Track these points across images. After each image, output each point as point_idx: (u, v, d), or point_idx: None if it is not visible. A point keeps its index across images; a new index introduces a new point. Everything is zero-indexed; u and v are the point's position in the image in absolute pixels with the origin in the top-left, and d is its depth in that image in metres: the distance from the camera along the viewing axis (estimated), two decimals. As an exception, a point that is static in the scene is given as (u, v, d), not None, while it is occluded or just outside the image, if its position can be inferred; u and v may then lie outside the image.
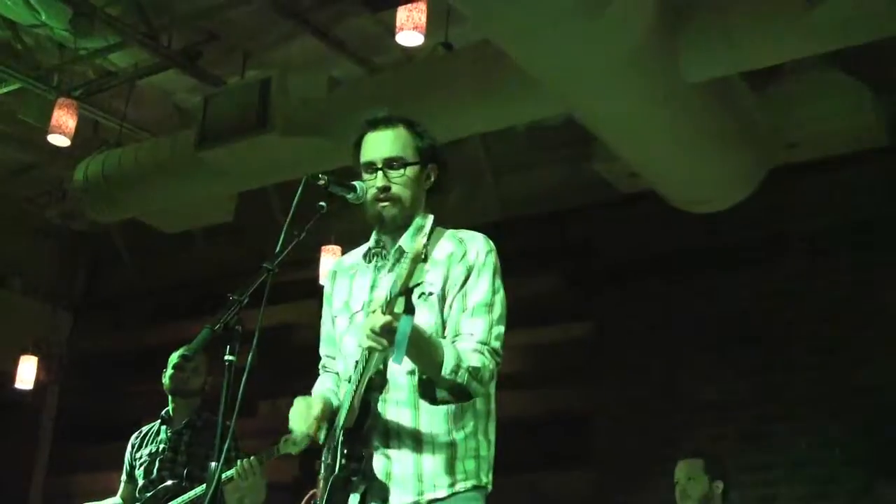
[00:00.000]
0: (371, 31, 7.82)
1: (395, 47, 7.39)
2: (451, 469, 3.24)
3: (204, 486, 5.24)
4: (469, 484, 3.26)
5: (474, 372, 3.15)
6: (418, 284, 2.95)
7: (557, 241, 9.01)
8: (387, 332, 2.92)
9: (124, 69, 8.63)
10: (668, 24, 6.44)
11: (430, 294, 3.32)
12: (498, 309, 3.33)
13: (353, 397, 3.17)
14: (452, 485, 3.23)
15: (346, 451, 3.17)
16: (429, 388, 3.17)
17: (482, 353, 3.21)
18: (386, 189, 3.40)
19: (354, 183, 3.42)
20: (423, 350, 3.09)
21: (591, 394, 8.53)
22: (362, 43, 8.01)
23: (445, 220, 3.54)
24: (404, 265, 2.88)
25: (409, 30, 6.95)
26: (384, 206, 3.41)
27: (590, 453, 8.38)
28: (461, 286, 3.32)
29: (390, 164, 3.43)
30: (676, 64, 6.65)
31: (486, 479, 3.32)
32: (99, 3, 7.66)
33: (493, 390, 3.41)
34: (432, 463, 3.23)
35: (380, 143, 3.48)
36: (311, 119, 7.57)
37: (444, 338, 3.27)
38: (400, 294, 2.91)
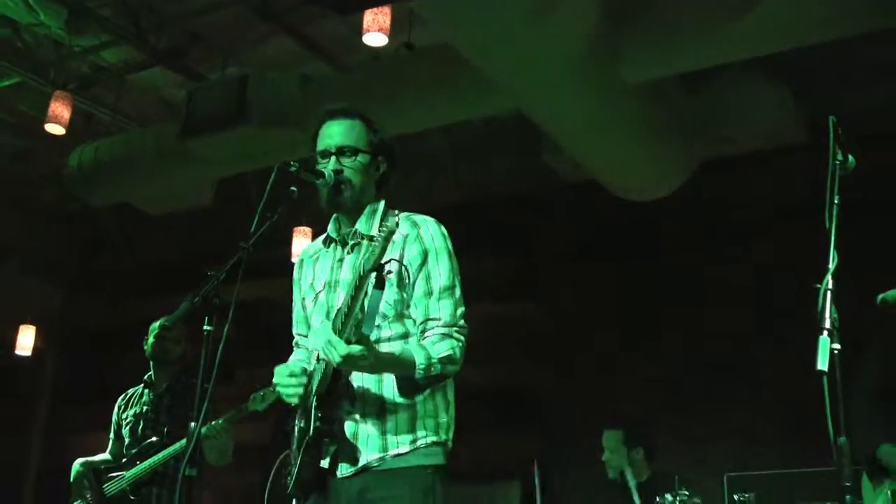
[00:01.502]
0: (340, 33, 7.78)
1: (362, 47, 7.35)
2: (412, 428, 3.25)
3: (184, 441, 5.27)
4: (429, 440, 3.27)
5: (446, 359, 3.21)
6: (389, 262, 2.98)
7: (510, 225, 9.00)
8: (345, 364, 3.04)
9: (115, 65, 8.62)
10: (610, 30, 6.45)
11: (390, 273, 3.27)
12: (458, 290, 3.36)
13: (326, 366, 3.17)
14: (414, 441, 3.24)
15: (319, 415, 3.18)
16: (409, 389, 3.22)
17: (451, 337, 3.26)
18: (338, 172, 3.40)
19: (323, 170, 3.40)
20: (393, 367, 3.16)
21: (539, 366, 8.54)
22: (332, 43, 7.98)
23: (406, 203, 3.52)
24: (377, 242, 2.92)
25: (375, 31, 6.94)
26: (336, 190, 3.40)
27: (537, 421, 8.40)
28: (420, 266, 3.33)
29: (342, 151, 3.44)
30: (618, 66, 6.65)
31: (447, 436, 3.34)
32: (93, 5, 7.64)
33: None
34: (395, 423, 3.24)
35: (335, 133, 3.49)
36: (284, 112, 7.55)
37: (406, 314, 3.31)
38: (373, 269, 2.93)
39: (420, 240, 3.36)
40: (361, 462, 3.22)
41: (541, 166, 8.37)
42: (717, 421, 7.74)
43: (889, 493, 3.39)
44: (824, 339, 2.74)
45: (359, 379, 3.26)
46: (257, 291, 7.62)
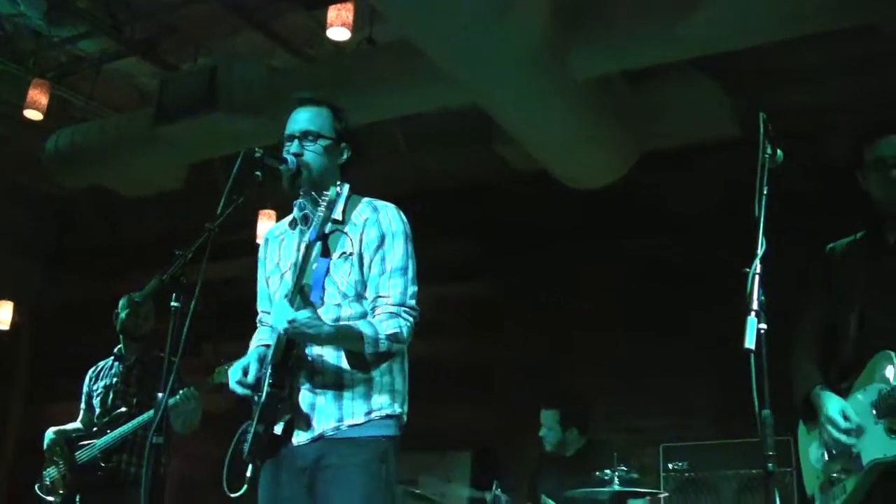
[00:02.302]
0: (306, 27, 7.75)
1: (326, 41, 7.34)
2: (368, 400, 3.26)
3: (152, 411, 5.27)
4: (384, 412, 3.28)
5: (393, 336, 3.22)
6: (334, 232, 3.07)
7: (464, 211, 9.01)
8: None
9: (92, 55, 8.51)
10: (561, 28, 6.46)
11: (351, 254, 3.34)
12: (411, 272, 3.36)
13: (279, 338, 3.20)
14: (369, 413, 3.25)
15: (271, 382, 3.18)
16: (357, 362, 3.24)
17: (399, 315, 3.27)
18: (298, 155, 3.41)
19: (286, 156, 3.41)
20: (343, 340, 3.19)
21: (492, 344, 8.57)
22: (298, 37, 7.94)
23: (367, 189, 3.53)
24: (319, 212, 2.99)
25: (339, 26, 6.94)
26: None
27: (490, 396, 8.44)
28: (377, 248, 3.33)
29: (306, 135, 3.45)
30: (566, 63, 6.67)
31: (401, 409, 3.35)
32: (71, -3, 7.57)
33: None
34: (352, 396, 3.25)
35: (301, 119, 3.50)
36: (252, 101, 7.49)
37: (366, 295, 3.32)
38: (318, 238, 3.01)
39: (379, 224, 3.36)
40: (318, 431, 3.22)
41: (493, 156, 8.38)
42: (655, 395, 7.81)
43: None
44: (752, 319, 2.78)
45: (318, 354, 3.27)
46: (224, 270, 7.60)
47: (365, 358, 3.21)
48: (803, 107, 7.44)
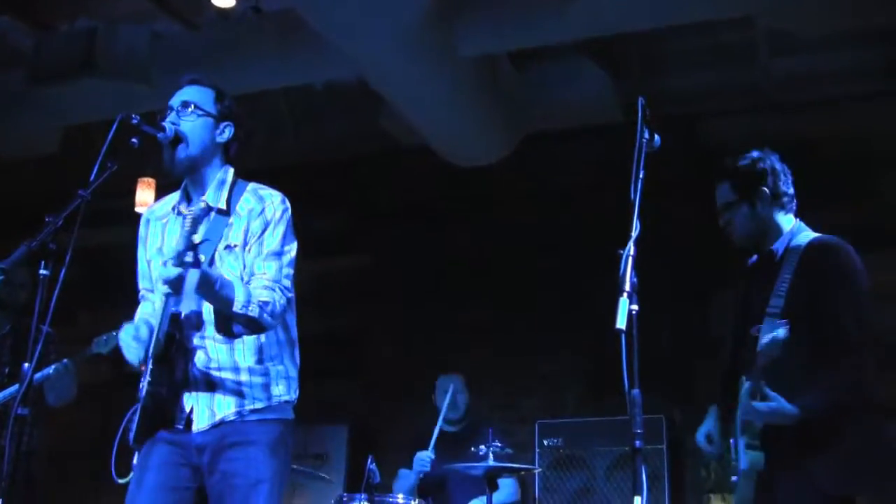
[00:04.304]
0: (191, -7, 7.60)
1: (211, 8, 7.20)
2: (266, 389, 3.36)
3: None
4: (283, 399, 3.40)
5: (264, 305, 3.24)
6: (202, 243, 3.01)
7: (346, 185, 8.98)
8: (175, 283, 3.02)
9: (-38, 11, 8.16)
10: (446, 5, 6.47)
11: (235, 246, 3.37)
12: (288, 257, 3.41)
13: (159, 332, 3.20)
14: (269, 398, 3.35)
15: (151, 379, 3.19)
16: (225, 324, 3.29)
17: (273, 290, 3.30)
18: (176, 124, 3.40)
19: (164, 124, 3.38)
20: (217, 292, 3.15)
21: (369, 318, 8.58)
22: (182, 2, 7.77)
23: (248, 162, 3.50)
24: (187, 224, 2.96)
25: (224, -7, 6.83)
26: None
27: (363, 366, 8.45)
28: (259, 237, 3.38)
29: (185, 106, 3.44)
30: (452, 40, 6.69)
31: (295, 395, 3.47)
32: (-61, -51, 7.26)
33: (292, 322, 3.53)
34: (251, 385, 3.33)
35: (184, 93, 3.51)
36: (133, 66, 7.31)
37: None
38: (188, 248, 2.95)
39: (263, 215, 3.40)
40: (219, 417, 3.28)
41: (378, 130, 8.36)
42: (532, 373, 7.93)
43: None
44: (624, 300, 2.84)
45: (213, 348, 3.32)
46: (102, 238, 7.44)
47: (231, 320, 3.24)
48: (683, 92, 7.63)
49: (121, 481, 3.26)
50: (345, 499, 5.53)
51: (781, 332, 3.41)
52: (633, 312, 2.83)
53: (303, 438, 7.44)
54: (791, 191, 3.96)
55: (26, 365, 3.11)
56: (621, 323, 2.79)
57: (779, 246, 3.88)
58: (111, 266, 8.18)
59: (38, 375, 5.13)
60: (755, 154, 3.97)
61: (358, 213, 8.95)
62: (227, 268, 3.32)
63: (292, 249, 3.43)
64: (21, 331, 5.72)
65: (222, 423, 3.28)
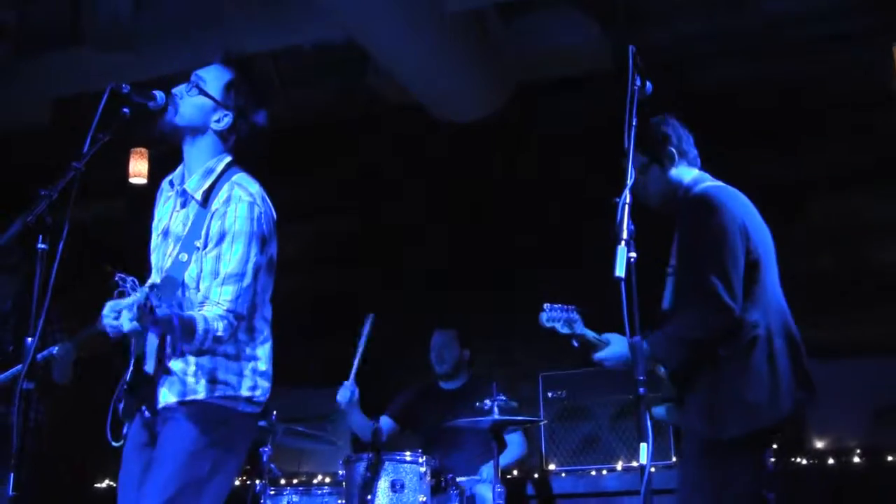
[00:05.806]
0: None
1: (195, -29, 7.16)
2: (212, 380, 3.27)
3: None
4: (228, 392, 3.30)
5: (217, 340, 3.19)
6: (186, 235, 3.18)
7: (338, 144, 8.94)
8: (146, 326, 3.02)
9: (-58, -19, 8.09)
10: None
11: (199, 249, 3.31)
12: (248, 278, 3.27)
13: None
14: (212, 391, 3.27)
15: (129, 381, 3.28)
16: (177, 349, 3.26)
17: (227, 321, 3.20)
18: (171, 95, 3.37)
19: (154, 92, 3.34)
20: (179, 331, 3.07)
21: (366, 278, 8.57)
22: (165, -33, 7.71)
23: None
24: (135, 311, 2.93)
25: (210, -45, 6.79)
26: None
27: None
28: (215, 245, 3.28)
29: (192, 81, 3.43)
30: (439, -6, 6.66)
31: (250, 393, 3.34)
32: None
33: (261, 325, 3.45)
34: (197, 375, 3.26)
35: (202, 70, 3.48)
36: (119, 35, 7.26)
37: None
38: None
39: (223, 219, 3.29)
40: (188, 398, 3.27)
41: (368, 89, 8.32)
42: (531, 327, 7.93)
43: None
44: (622, 248, 2.85)
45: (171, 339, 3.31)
46: (96, 210, 7.44)
47: (188, 347, 3.23)
48: (673, 38, 7.60)
49: (115, 445, 3.30)
50: (352, 459, 5.54)
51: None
52: (632, 260, 2.84)
53: (304, 398, 7.44)
54: (694, 151, 4.12)
55: (29, 340, 3.11)
56: (620, 271, 2.80)
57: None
58: (107, 238, 8.25)
59: (40, 355, 5.17)
60: (656, 119, 4.09)
61: (352, 174, 8.93)
62: (191, 270, 3.28)
63: (253, 266, 3.28)
64: (22, 306, 5.73)
65: (181, 403, 3.28)
